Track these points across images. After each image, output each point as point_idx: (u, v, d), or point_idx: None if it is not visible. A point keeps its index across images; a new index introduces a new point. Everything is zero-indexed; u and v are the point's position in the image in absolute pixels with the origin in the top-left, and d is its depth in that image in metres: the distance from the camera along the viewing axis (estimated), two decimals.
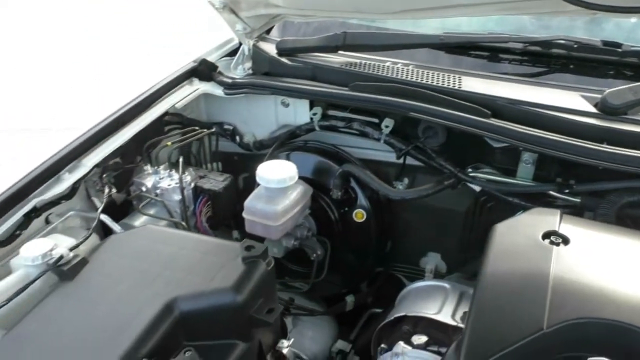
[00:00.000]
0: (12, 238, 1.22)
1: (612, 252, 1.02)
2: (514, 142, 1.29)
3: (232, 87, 1.65)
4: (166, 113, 1.59)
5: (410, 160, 1.55)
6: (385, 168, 1.60)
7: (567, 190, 1.27)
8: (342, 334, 1.63)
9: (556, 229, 1.05)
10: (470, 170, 1.42)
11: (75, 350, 0.92)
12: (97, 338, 0.93)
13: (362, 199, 1.56)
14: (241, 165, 1.77)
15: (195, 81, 1.70)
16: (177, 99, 1.61)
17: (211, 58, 1.76)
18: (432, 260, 1.66)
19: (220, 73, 1.70)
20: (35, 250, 1.12)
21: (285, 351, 1.14)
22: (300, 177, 1.46)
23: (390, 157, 1.57)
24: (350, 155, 1.59)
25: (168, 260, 1.07)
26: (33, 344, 0.94)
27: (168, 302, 0.98)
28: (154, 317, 0.95)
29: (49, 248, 1.12)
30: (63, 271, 1.07)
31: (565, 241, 1.02)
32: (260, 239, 1.38)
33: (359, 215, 1.56)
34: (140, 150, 1.54)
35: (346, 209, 1.58)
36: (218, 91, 1.67)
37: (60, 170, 1.31)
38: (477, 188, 1.43)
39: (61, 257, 1.09)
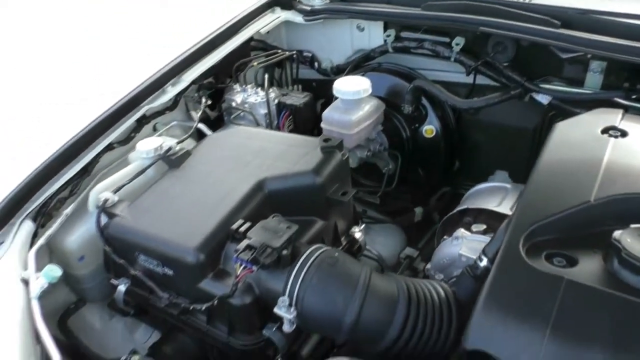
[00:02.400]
0: (128, 139, 1.45)
1: None
2: (584, 50, 1.33)
3: (311, 13, 1.78)
4: (251, 39, 1.75)
5: (479, 80, 1.62)
6: (455, 88, 1.67)
7: (634, 96, 1.30)
8: (410, 242, 1.76)
9: (616, 124, 1.11)
10: (538, 82, 1.47)
11: (183, 215, 1.12)
12: (201, 208, 1.13)
13: (432, 116, 1.66)
14: (319, 91, 1.91)
15: (277, 10, 1.84)
16: (260, 25, 1.76)
17: None
18: (500, 178, 1.72)
19: (300, 2, 1.83)
20: (148, 145, 1.33)
21: (357, 236, 1.29)
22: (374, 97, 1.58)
23: (460, 77, 1.65)
24: (421, 75, 1.68)
25: (258, 151, 1.25)
26: (151, 211, 1.15)
27: (258, 181, 1.15)
28: (246, 193, 1.13)
29: (159, 144, 1.33)
30: (171, 160, 1.28)
31: (624, 134, 1.08)
32: None
33: (429, 132, 1.66)
34: (229, 72, 1.72)
35: (417, 125, 1.68)
36: (298, 18, 1.80)
37: (164, 84, 1.51)
38: (545, 101, 1.48)
39: (169, 149, 1.29)
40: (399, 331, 0.95)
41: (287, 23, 1.86)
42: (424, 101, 1.66)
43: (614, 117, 1.14)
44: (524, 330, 0.78)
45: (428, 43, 1.63)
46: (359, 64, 1.77)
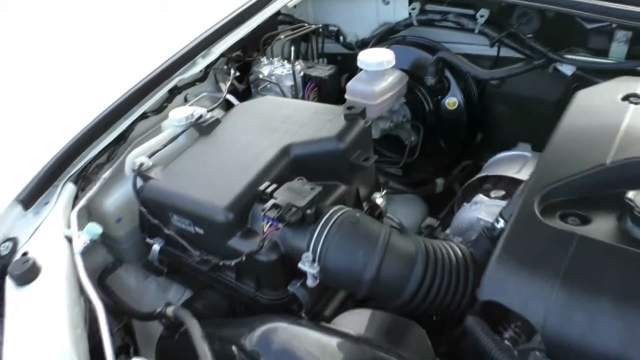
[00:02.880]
0: (161, 109, 1.51)
1: None
2: (610, 19, 1.33)
3: None
4: (278, 13, 1.79)
5: (504, 53, 1.63)
6: (479, 61, 1.69)
7: None
8: (431, 212, 1.79)
9: (637, 92, 1.13)
10: (562, 52, 1.48)
11: (214, 178, 1.18)
12: (230, 171, 1.19)
13: (455, 88, 1.68)
14: (344, 64, 1.94)
15: None
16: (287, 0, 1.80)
17: None
18: (523, 150, 1.75)
19: None
20: (180, 114, 1.40)
21: (378, 202, 1.33)
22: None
23: (485, 50, 1.66)
24: (445, 47, 1.70)
25: (284, 118, 1.30)
26: (183, 174, 1.22)
27: (284, 147, 1.21)
28: (273, 158, 1.19)
29: (191, 112, 1.40)
30: (202, 127, 1.34)
31: None
32: None
33: (451, 104, 1.69)
34: (257, 45, 1.76)
35: (439, 97, 1.71)
36: None
37: (195, 56, 1.56)
38: (569, 72, 1.48)
39: (200, 117, 1.36)
40: (416, 287, 1.00)
41: None
42: (447, 74, 1.68)
43: (635, 85, 1.15)
44: (535, 281, 0.82)
45: (452, 15, 1.64)
46: (384, 37, 1.80)
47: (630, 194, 0.87)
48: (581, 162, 0.98)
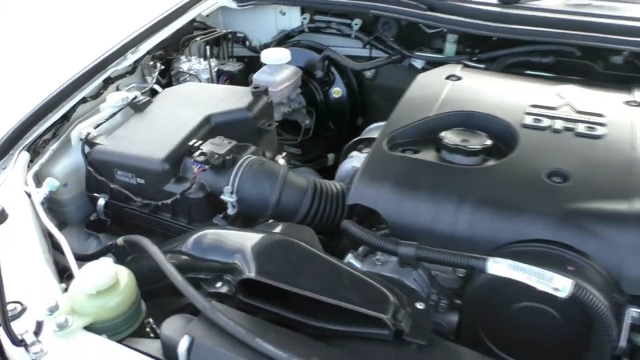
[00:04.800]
0: (98, 95, 1.81)
1: (487, 84, 1.58)
2: (442, 26, 1.84)
3: (243, 0, 2.20)
4: (194, 20, 2.15)
5: (375, 53, 2.11)
6: (358, 60, 2.15)
7: (474, 59, 1.83)
8: None
9: (456, 73, 1.62)
10: (414, 51, 1.98)
11: (151, 140, 1.51)
12: (163, 134, 1.52)
13: (339, 80, 2.13)
14: (250, 65, 2.33)
15: None
16: (202, 9, 2.16)
17: None
18: None
19: None
20: (117, 96, 1.71)
21: (281, 162, 1.72)
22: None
23: (361, 51, 2.13)
24: (330, 49, 2.15)
25: (205, 97, 1.66)
26: (124, 139, 1.53)
27: (206, 116, 1.56)
28: (198, 124, 1.54)
29: (126, 95, 1.71)
30: (137, 105, 1.66)
31: (459, 79, 1.59)
32: None
33: (337, 93, 2.14)
34: (177, 46, 2.10)
35: (327, 88, 2.15)
36: (232, 4, 2.22)
37: (125, 52, 1.88)
38: (419, 65, 1.98)
39: (135, 97, 1.68)
40: (307, 209, 1.39)
41: (223, 8, 2.27)
42: (333, 69, 2.13)
43: (455, 69, 1.65)
44: (381, 187, 1.24)
45: (335, 24, 2.10)
46: (282, 42, 2.22)
47: (442, 133, 1.33)
48: (414, 116, 1.43)
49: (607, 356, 1.01)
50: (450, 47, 1.92)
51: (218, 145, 1.42)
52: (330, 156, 2.24)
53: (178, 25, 2.05)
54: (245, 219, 1.51)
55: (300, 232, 1.26)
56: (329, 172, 2.26)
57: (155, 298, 1.24)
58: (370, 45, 2.06)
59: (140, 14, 1.97)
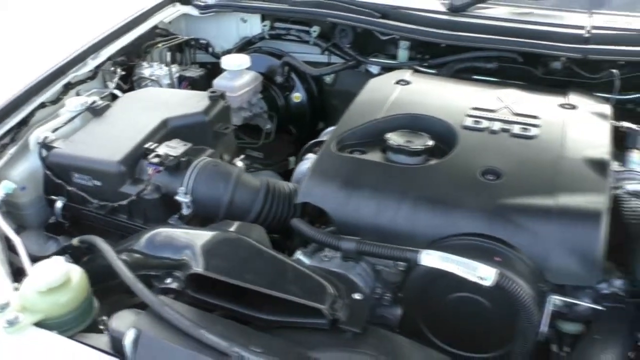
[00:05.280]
0: (57, 100, 1.83)
1: (434, 89, 1.65)
2: (395, 33, 1.92)
3: (204, 8, 2.25)
4: (156, 27, 2.19)
5: (334, 59, 2.17)
6: (318, 65, 2.22)
7: (425, 64, 1.92)
8: None
9: (405, 78, 1.69)
10: (369, 57, 2.05)
11: (108, 143, 1.54)
12: (121, 138, 1.55)
13: (299, 86, 2.19)
14: (213, 71, 2.37)
15: (178, 4, 2.29)
16: (163, 16, 2.21)
17: None
18: None
19: None
20: (76, 101, 1.73)
21: (239, 164, 1.77)
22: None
23: (321, 57, 2.20)
24: (290, 55, 2.21)
25: (163, 101, 1.70)
26: (82, 143, 1.56)
27: (164, 120, 1.60)
28: (155, 128, 1.58)
29: (85, 100, 1.74)
30: (96, 110, 1.69)
31: (408, 83, 1.67)
32: None
33: (297, 98, 2.20)
34: (139, 53, 2.14)
35: (288, 93, 2.21)
36: (194, 12, 2.27)
37: (86, 58, 1.91)
38: (375, 70, 2.06)
39: (94, 102, 1.71)
40: (260, 208, 1.44)
41: (186, 15, 2.31)
42: (293, 75, 2.19)
43: (405, 74, 1.72)
44: (328, 186, 1.30)
45: (294, 31, 2.17)
46: (243, 48, 2.27)
47: (387, 135, 1.40)
48: (364, 119, 1.50)
49: (530, 341, 1.08)
50: (403, 53, 2.00)
51: (173, 148, 1.46)
52: (292, 159, 2.29)
53: (140, 32, 2.08)
54: (202, 220, 1.56)
55: (250, 230, 1.31)
56: (290, 175, 2.31)
57: (111, 296, 1.27)
58: (328, 52, 2.13)
59: (102, 20, 2.01)
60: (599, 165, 1.25)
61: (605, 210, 1.12)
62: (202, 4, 2.26)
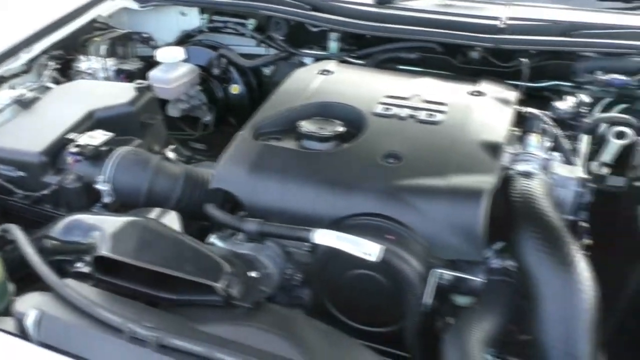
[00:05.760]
0: None
1: (355, 78, 1.71)
2: (325, 25, 1.98)
3: (144, 1, 2.28)
4: (94, 20, 2.21)
5: (271, 51, 2.22)
6: (255, 58, 2.26)
7: (353, 55, 1.97)
8: None
9: (328, 68, 1.75)
10: (303, 49, 2.11)
11: (32, 135, 1.57)
12: (45, 129, 1.58)
13: (236, 77, 2.23)
14: (156, 64, 2.40)
15: None
16: (102, 10, 2.23)
17: None
18: None
19: None
20: (6, 94, 1.76)
21: (170, 155, 1.81)
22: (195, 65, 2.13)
23: (260, 50, 2.24)
24: (228, 47, 2.25)
25: (91, 93, 1.73)
26: (7, 136, 1.59)
27: (89, 111, 1.64)
28: (80, 119, 1.61)
29: (17, 93, 1.76)
30: (24, 102, 1.72)
31: (330, 73, 1.72)
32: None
33: (235, 89, 2.24)
34: (77, 46, 2.16)
35: (226, 85, 2.25)
36: (134, 5, 2.30)
37: (18, 52, 1.93)
38: (309, 62, 2.10)
39: (22, 95, 1.73)
40: (180, 195, 1.48)
41: (127, 9, 2.34)
42: (232, 68, 2.23)
43: (329, 64, 1.77)
44: (238, 172, 1.35)
45: (231, 24, 2.21)
46: (183, 41, 2.30)
47: (301, 122, 1.45)
48: (282, 107, 1.55)
49: (416, 313, 1.14)
50: (333, 45, 2.05)
51: (94, 138, 1.50)
52: None
53: (76, 26, 2.11)
54: (128, 208, 1.60)
55: (162, 215, 1.36)
56: None
57: (34, 283, 1.31)
58: (265, 44, 2.17)
59: (40, 14, 2.03)
60: (493, 148, 1.31)
61: (488, 190, 1.18)
62: None
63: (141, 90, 1.70)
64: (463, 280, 1.25)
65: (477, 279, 1.21)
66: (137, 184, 1.46)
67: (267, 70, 2.25)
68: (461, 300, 1.25)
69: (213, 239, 1.37)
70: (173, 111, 2.13)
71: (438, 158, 1.30)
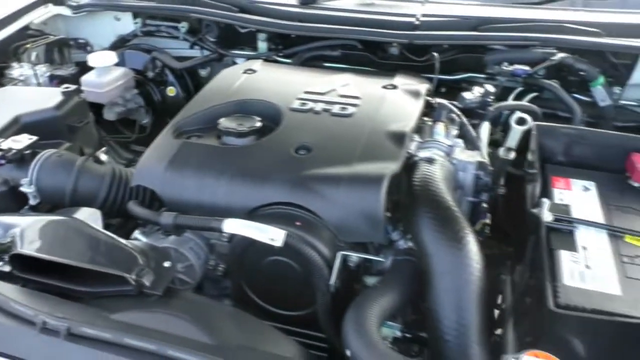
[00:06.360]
0: None
1: (278, 76, 1.78)
2: (253, 26, 2.04)
3: (77, 8, 2.30)
4: (27, 27, 2.22)
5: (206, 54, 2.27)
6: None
7: (281, 54, 2.05)
8: None
9: (253, 68, 1.81)
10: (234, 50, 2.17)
11: None
12: None
13: (172, 80, 2.28)
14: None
15: (50, 5, 2.33)
16: (34, 17, 2.24)
17: None
18: None
19: None
20: None
21: (102, 157, 1.84)
22: (131, 69, 2.17)
23: (195, 52, 2.29)
24: (163, 50, 2.29)
25: (19, 99, 1.75)
26: None
27: (15, 117, 1.66)
28: (6, 124, 1.63)
29: None
30: None
31: (254, 72, 1.79)
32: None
33: (171, 91, 2.29)
34: (8, 53, 2.17)
35: (162, 87, 2.29)
36: (67, 12, 2.32)
37: None
38: (240, 62, 2.17)
39: None
40: (106, 194, 1.52)
41: (62, 16, 2.36)
42: (167, 70, 2.28)
43: (255, 64, 1.84)
44: (157, 168, 1.40)
45: (164, 27, 2.25)
46: (119, 45, 2.33)
47: (221, 120, 1.51)
48: (204, 105, 1.61)
49: (325, 295, 1.22)
50: (262, 45, 2.12)
51: (18, 142, 1.53)
52: None
53: (7, 33, 2.12)
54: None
55: (83, 213, 1.41)
56: None
57: None
58: (198, 46, 2.22)
59: None
60: (398, 137, 1.40)
61: (388, 176, 1.26)
62: (75, 4, 2.31)
63: (68, 95, 1.74)
64: (373, 262, 1.33)
65: (381, 259, 1.29)
66: (61, 185, 1.49)
67: (203, 72, 2.30)
68: (371, 281, 1.32)
69: (137, 234, 1.42)
70: (109, 115, 2.16)
71: (346, 148, 1.38)
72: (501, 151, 1.60)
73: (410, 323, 1.35)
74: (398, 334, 1.30)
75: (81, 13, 2.30)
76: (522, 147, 1.55)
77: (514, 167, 1.60)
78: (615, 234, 1.18)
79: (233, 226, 1.20)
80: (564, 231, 1.19)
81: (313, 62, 2.00)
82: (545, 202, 1.20)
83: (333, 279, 1.21)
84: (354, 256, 1.27)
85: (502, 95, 1.82)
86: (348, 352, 1.05)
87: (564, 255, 1.12)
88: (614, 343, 1.03)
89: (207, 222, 1.25)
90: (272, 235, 1.16)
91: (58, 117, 1.69)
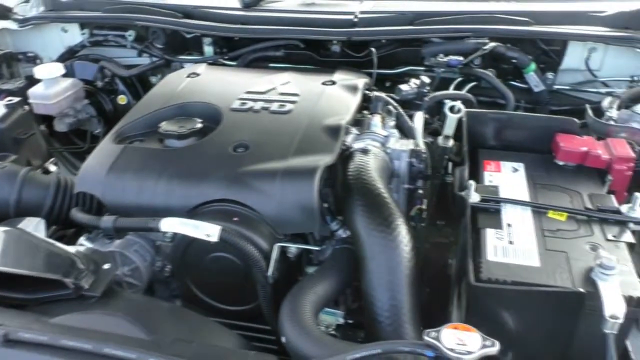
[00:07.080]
0: None
1: (221, 78, 1.81)
2: (195, 31, 2.07)
3: (23, 21, 2.30)
4: None
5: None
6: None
7: (226, 57, 2.08)
8: None
9: (197, 71, 1.84)
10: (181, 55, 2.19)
11: None
12: None
13: (122, 88, 2.29)
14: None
15: None
16: None
17: (9, 4, 2.39)
18: None
19: (14, 13, 2.34)
20: None
21: (51, 168, 1.85)
22: (81, 80, 2.18)
23: (144, 60, 2.31)
24: (111, 59, 2.31)
25: None
26: None
27: None
28: None
29: None
30: None
31: (197, 75, 1.81)
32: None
33: (122, 99, 2.30)
34: None
35: (113, 96, 2.31)
36: (14, 25, 2.32)
37: None
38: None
39: None
40: (51, 204, 1.53)
41: (8, 30, 2.35)
42: (117, 79, 2.29)
43: (198, 68, 1.87)
44: (98, 174, 1.41)
45: (112, 36, 2.26)
46: (68, 57, 2.34)
47: (161, 124, 1.53)
48: (145, 110, 1.63)
49: (265, 286, 1.25)
50: (208, 49, 2.15)
51: None
52: None
53: None
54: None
55: (29, 223, 1.42)
56: None
57: None
58: (146, 53, 2.24)
59: None
60: (334, 131, 1.44)
61: (321, 168, 1.30)
62: (21, 17, 2.31)
63: (11, 107, 1.75)
64: (314, 253, 1.37)
65: (317, 248, 1.33)
66: (4, 196, 1.50)
67: (154, 79, 2.32)
68: (312, 270, 1.36)
69: (82, 240, 1.43)
70: (60, 126, 2.16)
71: (282, 144, 1.41)
72: (440, 139, 1.66)
73: (354, 310, 1.39)
74: (340, 320, 1.34)
75: (28, 26, 2.30)
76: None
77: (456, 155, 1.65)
78: (539, 210, 1.24)
79: (170, 225, 1.23)
80: (490, 210, 1.24)
81: (257, 63, 2.04)
82: (472, 184, 1.26)
83: (271, 271, 1.24)
84: (292, 247, 1.31)
85: (443, 86, 1.88)
86: (283, 339, 1.08)
87: (489, 233, 1.18)
88: (539, 313, 1.09)
89: (146, 223, 1.27)
90: (208, 231, 1.19)
91: (2, 130, 1.70)
